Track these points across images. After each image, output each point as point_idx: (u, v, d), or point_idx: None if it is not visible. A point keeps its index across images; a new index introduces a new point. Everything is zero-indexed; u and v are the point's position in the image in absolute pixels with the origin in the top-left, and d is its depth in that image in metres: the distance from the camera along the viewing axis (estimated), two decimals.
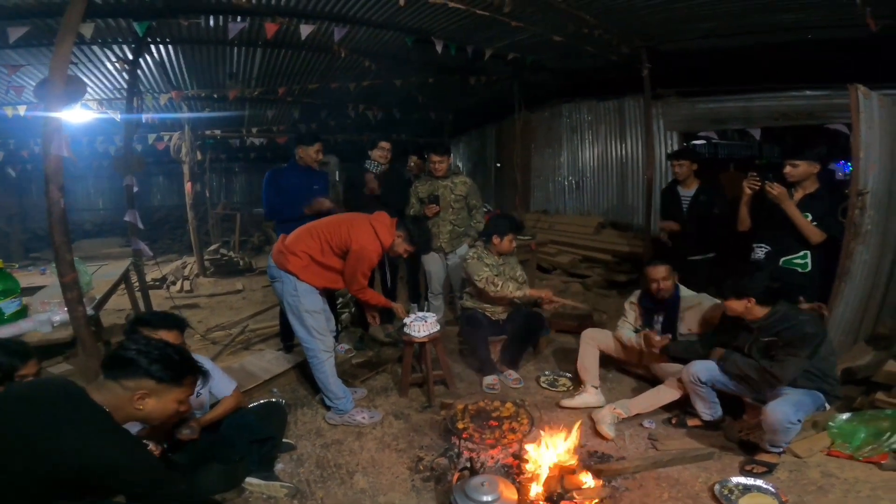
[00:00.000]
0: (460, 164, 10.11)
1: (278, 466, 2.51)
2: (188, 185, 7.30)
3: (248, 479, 2.31)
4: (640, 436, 2.77)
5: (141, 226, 4.24)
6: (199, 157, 7.70)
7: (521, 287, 3.50)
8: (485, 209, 4.44)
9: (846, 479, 2.33)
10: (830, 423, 2.60)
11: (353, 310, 4.36)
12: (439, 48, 4.46)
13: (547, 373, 3.56)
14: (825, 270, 3.03)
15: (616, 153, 6.51)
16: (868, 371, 2.92)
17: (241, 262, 7.55)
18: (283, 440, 2.66)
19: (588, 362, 3.17)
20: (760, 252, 3.12)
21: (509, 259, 3.66)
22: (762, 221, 3.16)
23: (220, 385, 2.43)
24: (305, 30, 3.81)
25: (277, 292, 2.92)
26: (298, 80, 6.06)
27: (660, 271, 3.04)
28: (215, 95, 6.27)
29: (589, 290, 5.51)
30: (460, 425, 2.63)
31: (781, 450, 2.42)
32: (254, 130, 8.38)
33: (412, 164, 5.22)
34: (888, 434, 2.46)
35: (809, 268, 3.00)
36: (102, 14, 3.72)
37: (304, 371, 3.43)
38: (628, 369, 3.47)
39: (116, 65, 4.72)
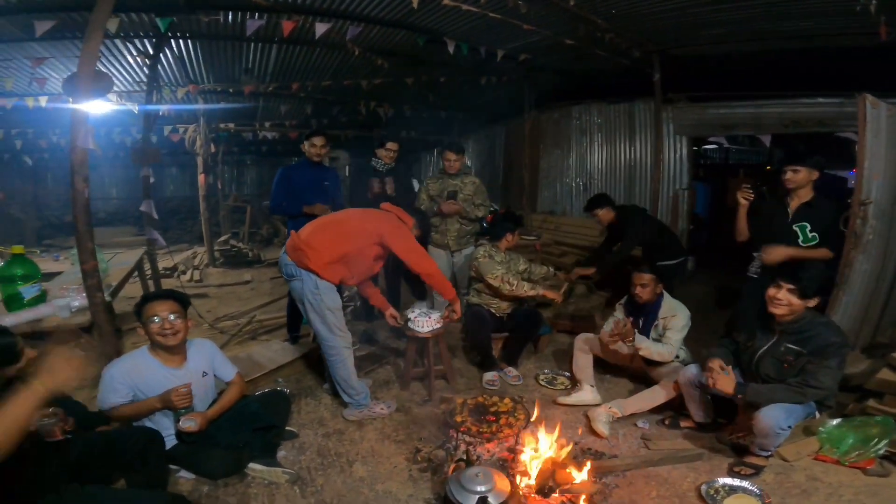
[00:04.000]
0: (469, 163, 10.16)
1: (281, 453, 2.59)
2: (201, 177, 7.44)
3: (251, 465, 2.39)
4: (634, 435, 2.83)
5: (156, 216, 4.36)
6: (212, 149, 7.83)
7: (534, 287, 3.56)
8: (491, 209, 4.50)
9: (830, 483, 2.38)
10: (820, 429, 2.64)
11: (357, 304, 4.45)
12: (451, 48, 4.52)
13: (546, 371, 3.63)
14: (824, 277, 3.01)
15: (625, 156, 6.51)
16: (862, 378, 2.95)
17: (251, 254, 7.68)
18: (287, 428, 2.74)
19: (582, 364, 3.25)
20: (757, 262, 3.15)
21: (513, 254, 3.78)
22: (761, 233, 3.15)
23: (223, 370, 2.54)
24: (320, 28, 3.90)
25: (297, 291, 2.84)
26: (312, 77, 6.15)
27: (642, 278, 3.12)
28: (231, 90, 6.39)
29: (593, 292, 5.56)
30: (458, 419, 2.72)
31: (769, 453, 2.47)
32: (266, 125, 8.51)
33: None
34: (876, 440, 2.50)
35: None
36: (127, 9, 3.82)
37: (309, 362, 3.53)
38: (624, 369, 3.51)
39: (137, 58, 4.84)
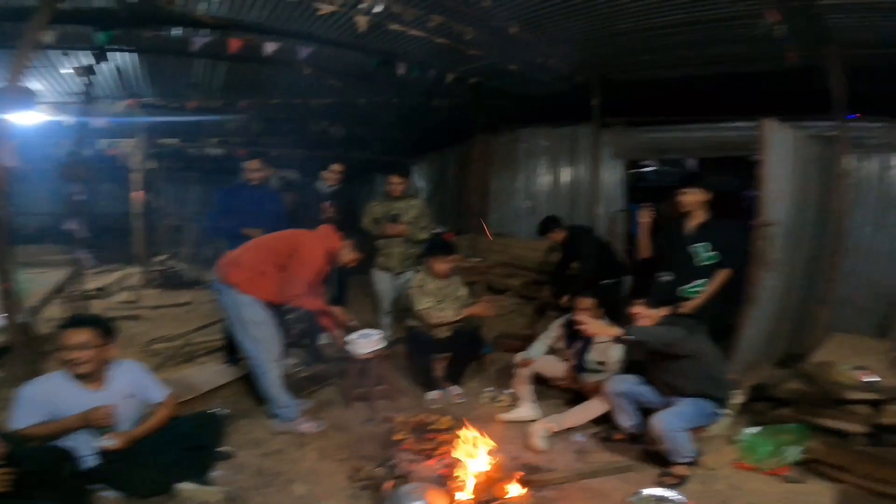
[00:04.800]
0: (422, 185, 10.24)
1: (215, 473, 2.52)
2: (138, 194, 7.13)
3: (182, 485, 2.32)
4: (570, 449, 2.91)
5: (85, 234, 4.16)
6: (151, 165, 7.55)
7: (459, 311, 3.67)
8: (437, 231, 4.57)
9: (750, 490, 2.50)
10: (739, 437, 2.80)
11: (303, 325, 4.38)
12: (402, 71, 4.63)
13: (489, 389, 3.68)
14: (726, 294, 3.21)
15: (568, 179, 6.71)
16: (776, 388, 3.16)
17: (190, 275, 7.37)
18: (222, 449, 2.67)
19: (521, 380, 3.34)
20: (665, 280, 3.35)
21: (453, 280, 3.82)
22: (665, 252, 3.37)
23: (153, 391, 2.47)
24: (269, 47, 3.90)
25: (221, 305, 2.98)
26: (261, 94, 6.09)
27: (584, 302, 3.29)
28: (174, 104, 6.22)
29: (538, 312, 5.70)
30: (398, 437, 2.73)
31: (689, 460, 2.58)
32: (212, 141, 8.29)
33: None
34: (790, 447, 2.66)
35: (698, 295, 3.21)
36: (65, 21, 3.68)
37: (249, 384, 3.42)
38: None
39: (73, 70, 4.65)
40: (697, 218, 3.24)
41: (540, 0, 3.56)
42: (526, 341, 4.38)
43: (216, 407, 3.18)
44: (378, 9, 3.41)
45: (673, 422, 2.52)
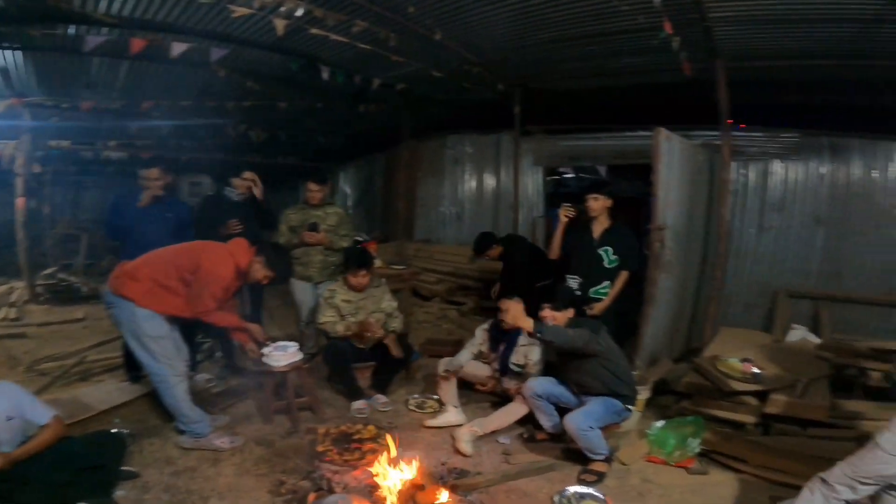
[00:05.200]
0: (349, 191, 10.06)
1: (119, 493, 2.39)
2: (20, 201, 6.35)
3: None
4: (496, 451, 2.96)
5: None
6: (37, 168, 6.76)
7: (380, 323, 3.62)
8: (358, 239, 4.47)
9: (661, 484, 2.63)
10: (648, 431, 2.96)
11: (216, 342, 4.12)
12: (325, 75, 4.51)
13: (416, 396, 3.68)
14: (626, 295, 3.56)
15: (491, 185, 6.90)
16: (675, 383, 3.39)
17: (85, 288, 6.59)
18: (124, 468, 2.52)
19: (445, 387, 3.36)
20: (574, 283, 3.56)
21: (374, 291, 3.75)
22: (573, 256, 3.60)
23: (35, 412, 2.26)
24: (177, 48, 3.62)
25: (114, 319, 2.80)
26: (170, 96, 5.67)
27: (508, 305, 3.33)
28: (65, 105, 5.62)
29: (465, 317, 5.78)
30: (320, 448, 2.67)
31: (603, 457, 2.70)
32: (111, 144, 7.57)
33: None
34: (691, 439, 2.83)
35: (606, 295, 3.52)
36: None
37: (153, 401, 3.18)
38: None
39: None
40: (602, 223, 3.54)
41: (462, 8, 3.61)
42: (453, 346, 4.44)
43: (116, 426, 2.97)
44: (298, 13, 3.30)
45: (583, 421, 2.64)
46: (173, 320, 2.80)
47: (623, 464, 2.81)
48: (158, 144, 7.65)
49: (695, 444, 2.81)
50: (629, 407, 2.86)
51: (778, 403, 2.86)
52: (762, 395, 3.00)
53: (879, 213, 4.50)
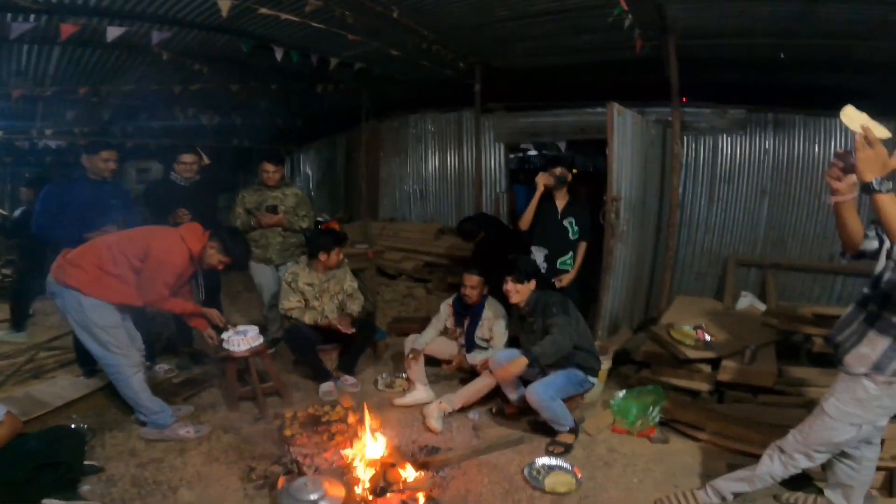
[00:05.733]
0: (310, 172, 9.85)
1: (84, 488, 2.35)
2: None
3: (46, 500, 2.12)
4: (466, 427, 3.01)
5: None
6: None
7: (326, 318, 3.54)
8: (320, 220, 4.41)
9: (626, 453, 2.71)
10: (611, 402, 3.02)
11: (173, 330, 3.99)
12: (279, 56, 4.33)
13: (384, 375, 3.71)
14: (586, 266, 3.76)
15: (455, 163, 6.89)
16: (634, 352, 3.51)
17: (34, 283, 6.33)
18: (86, 463, 2.47)
19: (413, 365, 3.38)
20: (540, 255, 3.68)
21: (337, 272, 3.70)
22: (539, 228, 3.74)
23: None
24: (113, 32, 3.37)
25: (59, 309, 2.73)
26: (109, 80, 5.33)
27: (471, 279, 3.37)
28: None
29: (431, 294, 5.82)
30: (288, 432, 2.67)
31: (568, 428, 2.76)
32: (47, 132, 7.09)
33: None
34: (652, 408, 2.89)
35: (572, 266, 3.72)
36: None
37: (111, 394, 3.09)
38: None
39: None
40: (563, 197, 3.72)
41: None
42: (421, 324, 4.48)
43: (73, 422, 2.89)
44: None
45: (543, 391, 2.70)
46: (124, 309, 2.72)
47: (589, 434, 2.89)
48: (98, 131, 7.21)
49: (655, 414, 2.88)
50: (591, 379, 2.92)
51: (728, 370, 2.98)
52: (715, 363, 3.10)
53: (821, 185, 4.74)
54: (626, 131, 3.68)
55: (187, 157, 3.65)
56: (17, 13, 3.33)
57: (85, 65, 4.84)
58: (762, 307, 4.30)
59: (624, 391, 3.10)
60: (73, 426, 2.76)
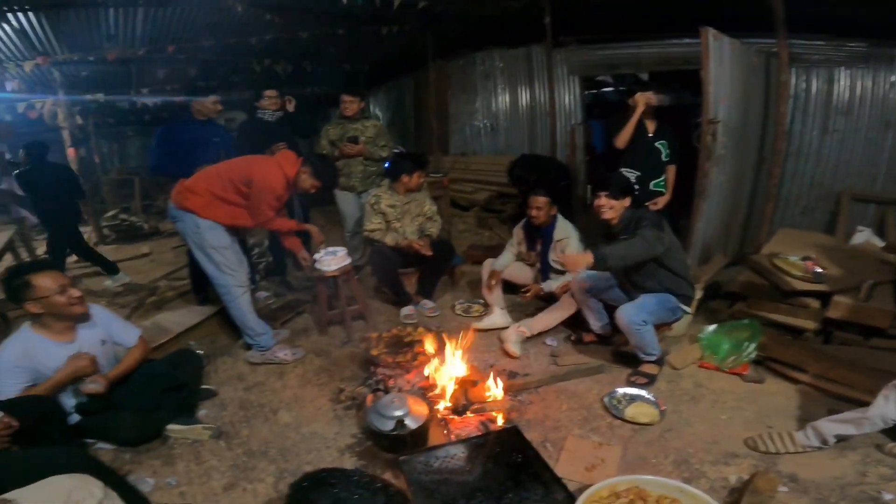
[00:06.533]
0: (380, 114, 9.98)
1: (201, 412, 2.55)
2: (70, 151, 6.63)
3: (170, 426, 2.34)
4: (544, 353, 2.99)
5: (21, 192, 3.88)
6: (79, 121, 6.99)
7: (406, 238, 3.57)
8: (396, 150, 4.50)
9: (714, 389, 2.53)
10: (700, 335, 2.79)
11: (269, 259, 4.35)
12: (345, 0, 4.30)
13: (461, 301, 3.77)
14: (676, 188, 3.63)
15: (526, 97, 6.76)
16: (729, 284, 3.23)
17: (146, 226, 7.11)
18: (203, 387, 2.69)
19: (491, 289, 3.38)
20: (632, 177, 3.48)
21: (417, 196, 3.71)
22: (630, 150, 3.58)
23: (123, 334, 2.42)
24: None
25: (180, 233, 2.92)
26: (191, 37, 5.58)
27: (537, 201, 3.27)
28: (91, 58, 5.64)
29: (504, 224, 5.83)
30: (374, 353, 2.78)
31: (654, 358, 2.62)
32: (143, 91, 7.66)
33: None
34: (746, 344, 2.64)
35: (664, 188, 3.60)
36: None
37: (222, 321, 3.41)
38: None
39: None
40: (652, 122, 3.56)
41: None
42: (494, 252, 4.48)
43: (191, 347, 3.14)
44: None
45: (636, 314, 2.51)
46: (234, 232, 2.91)
47: (675, 368, 2.71)
48: (187, 88, 7.65)
49: (750, 350, 2.63)
50: (684, 307, 2.70)
51: (841, 307, 2.66)
52: (824, 299, 2.78)
53: None
54: (723, 55, 3.36)
55: (270, 92, 3.93)
56: None
57: (169, 24, 5.13)
58: (881, 243, 3.79)
59: (714, 325, 2.85)
60: (192, 350, 2.92)
